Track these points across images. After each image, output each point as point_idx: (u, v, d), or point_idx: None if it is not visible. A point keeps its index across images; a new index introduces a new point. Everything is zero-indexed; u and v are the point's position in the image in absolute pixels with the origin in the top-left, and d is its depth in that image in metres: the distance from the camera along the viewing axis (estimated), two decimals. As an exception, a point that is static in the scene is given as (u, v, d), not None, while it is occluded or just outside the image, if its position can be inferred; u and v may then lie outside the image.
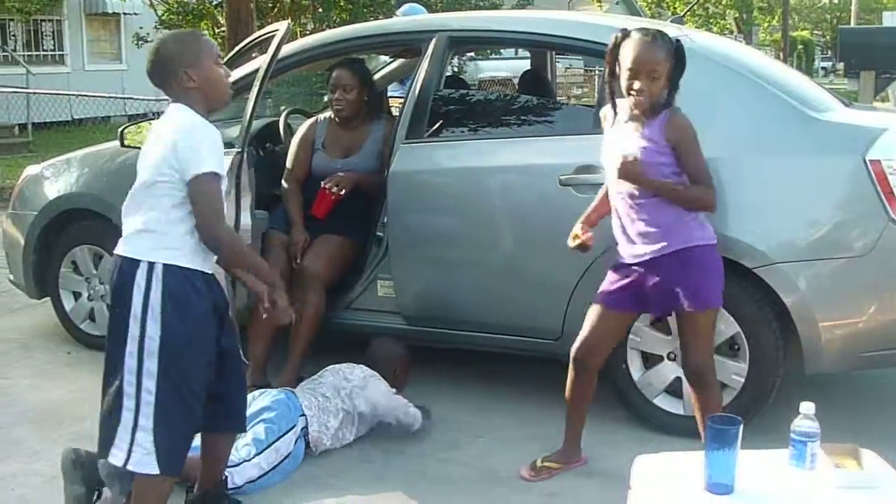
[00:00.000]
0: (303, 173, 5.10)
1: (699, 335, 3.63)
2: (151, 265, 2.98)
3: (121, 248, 3.07)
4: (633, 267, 3.64)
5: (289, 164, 5.12)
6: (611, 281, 3.73)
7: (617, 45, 3.54)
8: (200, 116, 3.05)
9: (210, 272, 3.10)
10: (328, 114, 5.18)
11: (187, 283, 3.00)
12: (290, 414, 3.99)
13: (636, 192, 3.54)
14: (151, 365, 2.98)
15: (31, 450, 4.19)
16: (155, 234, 3.00)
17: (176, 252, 2.99)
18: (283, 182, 5.09)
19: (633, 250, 3.62)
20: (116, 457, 3.04)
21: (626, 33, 3.53)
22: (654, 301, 3.67)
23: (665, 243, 3.55)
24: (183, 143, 2.95)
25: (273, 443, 3.86)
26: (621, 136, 3.59)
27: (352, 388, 4.17)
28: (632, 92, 3.48)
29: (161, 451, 3.01)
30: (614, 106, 3.65)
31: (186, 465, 3.23)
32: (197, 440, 3.34)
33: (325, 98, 5.61)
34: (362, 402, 4.17)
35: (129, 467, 3.05)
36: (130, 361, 2.99)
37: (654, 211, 3.54)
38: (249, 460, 3.78)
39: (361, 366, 4.37)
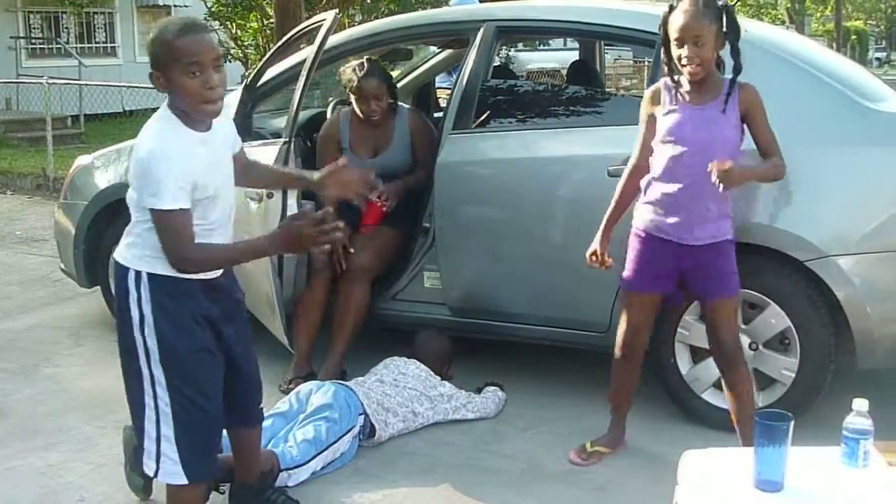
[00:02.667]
0: None
1: (732, 317, 3.71)
2: (138, 273, 2.89)
3: (116, 250, 2.98)
4: (676, 247, 3.62)
5: (319, 165, 4.94)
6: (644, 260, 3.71)
7: (665, 20, 3.54)
8: (169, 127, 2.83)
9: (209, 278, 2.97)
10: (347, 109, 5.13)
11: (175, 291, 2.89)
12: (350, 414, 3.98)
13: (705, 179, 3.48)
14: (159, 374, 2.92)
15: (80, 437, 4.23)
16: (139, 242, 2.90)
17: (159, 260, 2.86)
18: None
19: (691, 233, 3.59)
20: (149, 467, 3.01)
21: (671, 7, 3.55)
22: (692, 284, 3.69)
23: (717, 231, 3.59)
24: (135, 169, 2.79)
25: (332, 444, 3.86)
26: (689, 113, 3.55)
27: (417, 394, 4.23)
28: (682, 60, 3.46)
29: (185, 459, 2.97)
30: (676, 84, 3.60)
31: (226, 460, 3.22)
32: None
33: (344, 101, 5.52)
34: (427, 410, 4.23)
35: (160, 479, 3.03)
36: (144, 370, 2.93)
37: (716, 197, 3.53)
38: (307, 462, 3.77)
39: (414, 360, 4.38)
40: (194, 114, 2.84)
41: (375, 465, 3.95)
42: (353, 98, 5.00)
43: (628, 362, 3.91)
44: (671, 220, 3.62)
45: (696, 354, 4.25)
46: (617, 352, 3.90)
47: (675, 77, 3.61)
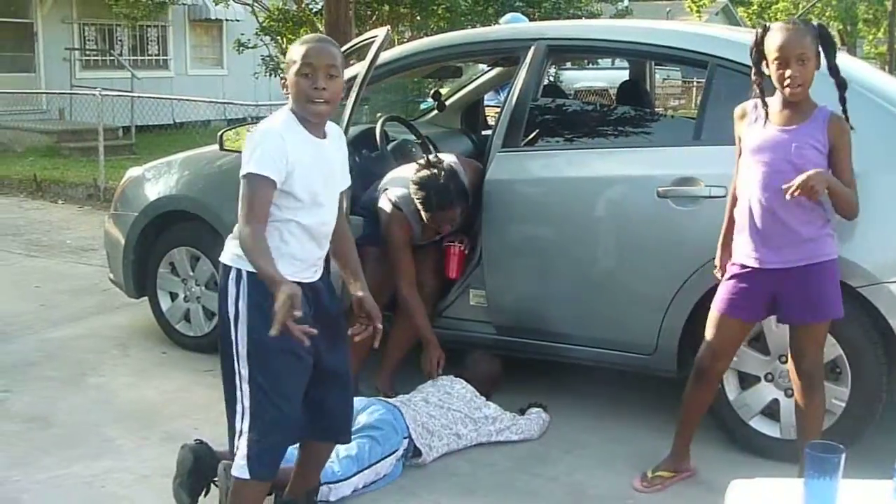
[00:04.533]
0: (413, 270, 4.73)
1: (817, 342, 3.63)
2: (239, 272, 3.01)
3: (223, 253, 3.12)
4: (766, 273, 3.56)
5: (399, 269, 4.65)
6: (736, 287, 3.64)
7: (760, 41, 3.51)
8: (285, 119, 3.03)
9: (307, 281, 3.06)
10: (412, 206, 4.63)
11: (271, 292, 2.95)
12: (395, 437, 3.97)
13: (800, 198, 3.42)
14: (244, 370, 3.02)
15: (125, 448, 4.25)
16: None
17: None
18: (403, 294, 4.66)
19: (778, 256, 3.52)
20: (234, 463, 3.10)
21: (766, 27, 3.53)
22: (783, 310, 3.60)
23: (811, 253, 3.51)
24: (246, 147, 3.00)
25: (375, 464, 3.85)
26: (775, 134, 3.51)
27: (461, 416, 4.22)
28: (785, 80, 3.42)
29: (252, 455, 3.03)
30: (765, 104, 3.56)
31: (280, 471, 3.23)
32: (294, 448, 3.35)
33: (424, 106, 5.45)
34: (471, 432, 4.22)
35: (233, 472, 3.09)
36: (236, 366, 3.04)
37: (804, 219, 3.49)
38: (348, 478, 3.76)
39: (460, 380, 4.37)
40: (304, 113, 3.02)
41: (418, 484, 3.93)
42: (434, 220, 4.62)
43: (702, 387, 3.82)
44: (758, 244, 3.56)
45: (744, 381, 4.19)
46: (692, 374, 3.82)
47: (766, 98, 3.56)
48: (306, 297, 3.03)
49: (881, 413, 3.99)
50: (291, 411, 3.09)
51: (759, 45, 3.52)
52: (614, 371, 4.63)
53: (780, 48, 3.41)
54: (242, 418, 3.05)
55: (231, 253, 3.06)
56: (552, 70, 14.94)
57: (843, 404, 3.97)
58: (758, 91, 3.58)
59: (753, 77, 3.59)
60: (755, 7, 39.45)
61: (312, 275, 3.12)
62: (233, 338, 3.03)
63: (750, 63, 3.62)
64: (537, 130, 4.73)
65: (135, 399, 4.85)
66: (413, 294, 4.64)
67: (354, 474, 3.78)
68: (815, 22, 3.56)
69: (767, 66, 3.50)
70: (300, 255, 3.05)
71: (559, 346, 4.59)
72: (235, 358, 3.03)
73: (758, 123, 3.56)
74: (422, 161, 4.62)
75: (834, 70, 3.49)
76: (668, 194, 4.17)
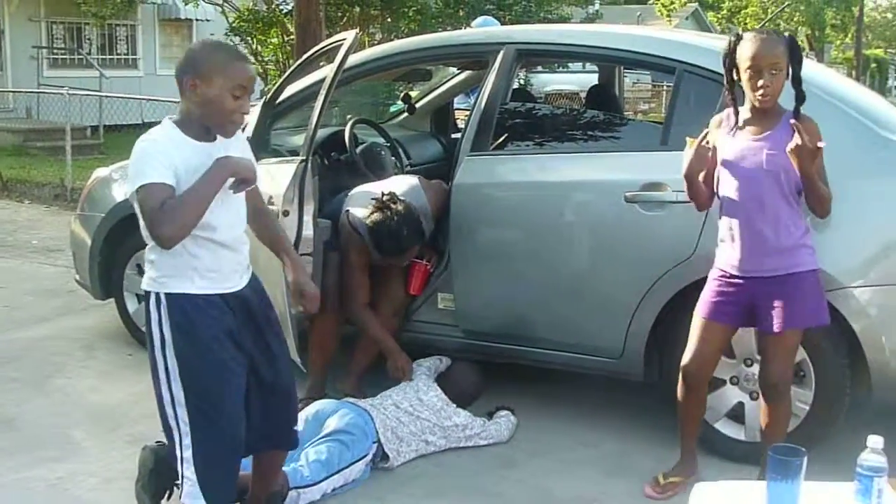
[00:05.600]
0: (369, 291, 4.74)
1: (787, 350, 3.62)
2: (157, 296, 2.93)
3: (143, 281, 3.04)
4: (746, 281, 3.59)
5: (351, 289, 4.66)
6: (718, 292, 3.67)
7: (732, 49, 3.54)
8: (168, 131, 2.89)
9: (229, 291, 3.00)
10: (368, 221, 4.52)
11: (191, 308, 2.92)
12: (365, 442, 3.97)
13: (776, 205, 3.50)
14: (179, 394, 2.94)
15: (90, 451, 4.23)
16: (154, 263, 2.95)
17: (173, 279, 2.92)
18: (353, 313, 4.69)
19: (757, 265, 3.56)
20: (180, 492, 3.03)
21: (738, 36, 3.56)
22: (761, 317, 3.61)
23: (789, 263, 3.54)
24: (129, 162, 2.88)
25: (344, 468, 3.85)
26: (747, 143, 3.54)
27: (430, 426, 4.21)
28: (757, 89, 3.45)
29: (203, 481, 2.96)
30: (736, 113, 3.60)
31: (240, 479, 3.21)
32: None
33: (393, 109, 5.45)
34: (440, 439, 4.22)
35: (182, 500, 3.02)
36: (166, 393, 2.96)
37: (783, 229, 3.52)
38: (317, 483, 3.76)
39: (435, 387, 4.36)
40: (217, 126, 2.93)
41: (384, 488, 3.93)
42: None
43: (692, 393, 3.82)
44: (737, 252, 3.60)
45: (710, 384, 4.21)
46: (681, 382, 3.82)
47: (737, 107, 3.60)
48: (231, 309, 3.00)
49: (844, 416, 4.03)
50: (234, 428, 3.02)
51: (731, 53, 3.55)
52: (581, 375, 4.64)
53: (754, 57, 3.44)
54: (181, 444, 2.97)
55: (147, 278, 2.99)
56: (522, 74, 15.01)
57: (807, 407, 4.01)
58: (729, 99, 3.62)
59: (726, 85, 3.62)
60: (725, 12, 39.73)
61: (236, 283, 3.03)
62: (162, 363, 2.94)
63: (717, 69, 3.66)
64: (506, 134, 4.74)
65: (100, 401, 4.82)
66: (363, 311, 4.65)
67: (323, 479, 3.77)
68: (785, 33, 3.58)
69: (738, 74, 3.53)
70: (215, 266, 2.96)
71: (526, 350, 4.61)
72: (167, 382, 2.95)
73: (731, 134, 3.60)
74: (376, 200, 4.54)
75: (797, 81, 3.53)
76: (635, 199, 4.19)
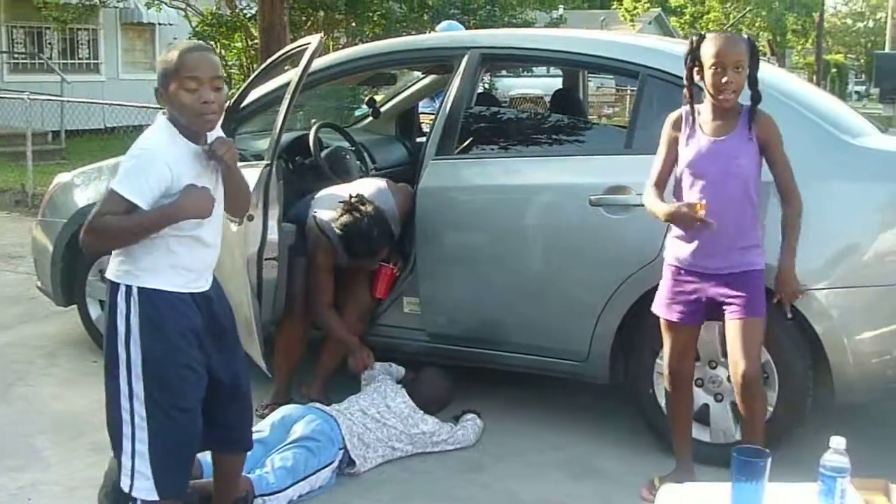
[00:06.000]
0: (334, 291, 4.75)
1: (755, 343, 3.64)
2: (128, 288, 2.94)
3: (108, 269, 3.03)
4: (701, 277, 3.63)
5: (319, 289, 4.65)
6: (674, 292, 3.71)
7: (696, 48, 3.58)
8: (165, 133, 2.94)
9: (199, 291, 3.02)
10: (335, 224, 4.54)
11: (164, 305, 2.93)
12: (331, 448, 3.96)
13: (738, 206, 3.56)
14: (138, 388, 2.94)
15: (52, 459, 4.18)
16: (128, 257, 2.95)
17: (148, 274, 2.93)
18: (318, 313, 4.69)
19: (714, 262, 3.60)
20: (124, 483, 3.02)
21: (700, 36, 3.62)
22: (721, 310, 3.65)
23: (743, 261, 3.60)
24: (125, 158, 2.92)
25: (310, 475, 3.83)
26: (709, 145, 3.58)
27: (397, 433, 4.19)
28: (721, 86, 3.49)
29: (158, 475, 2.97)
30: (693, 111, 3.64)
31: (203, 486, 3.19)
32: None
33: (358, 113, 5.45)
34: (407, 445, 4.21)
35: (133, 494, 3.02)
36: (123, 386, 2.96)
37: (741, 231, 3.59)
38: (283, 490, 3.74)
39: (403, 393, 4.35)
40: (191, 125, 2.94)
41: (351, 493, 3.92)
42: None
43: (678, 389, 3.86)
44: (694, 250, 3.63)
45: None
46: (667, 381, 3.86)
47: (696, 106, 3.64)
48: (199, 309, 3.02)
49: (807, 417, 4.06)
50: (191, 425, 3.04)
51: (694, 51, 3.59)
52: (547, 378, 4.65)
53: (718, 54, 3.49)
54: (134, 438, 2.97)
55: (117, 269, 2.98)
56: (486, 78, 15.04)
57: (771, 408, 4.03)
58: (688, 98, 3.65)
59: (686, 83, 3.66)
60: (687, 17, 40.07)
61: (204, 283, 3.06)
62: (123, 356, 2.94)
63: (680, 73, 3.69)
64: (471, 138, 4.75)
65: (63, 409, 4.76)
66: (327, 312, 4.65)
67: (289, 486, 3.75)
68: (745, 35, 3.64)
69: (700, 73, 3.57)
70: (191, 265, 2.99)
71: (493, 354, 4.61)
72: (126, 376, 2.94)
73: (691, 135, 3.63)
74: (345, 203, 4.54)
75: (753, 82, 3.57)
76: (600, 202, 4.21)
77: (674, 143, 3.69)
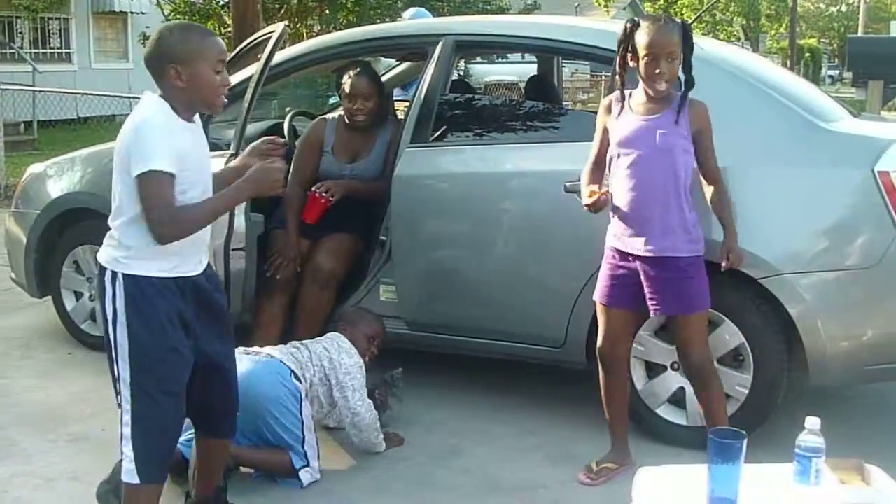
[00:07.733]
0: (310, 176, 5.02)
1: (700, 334, 3.73)
2: (114, 273, 2.94)
3: (99, 252, 3.04)
4: (633, 260, 3.68)
5: (294, 166, 4.99)
6: (610, 276, 3.77)
7: (628, 35, 3.60)
8: (162, 109, 2.92)
9: (188, 275, 3.01)
10: (336, 115, 5.12)
11: (150, 289, 2.92)
12: (289, 400, 3.87)
13: (666, 185, 3.60)
14: (125, 372, 2.95)
15: (29, 451, 4.15)
16: (116, 243, 2.95)
17: (137, 259, 2.92)
18: (287, 184, 4.88)
19: (643, 244, 3.64)
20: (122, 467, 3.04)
21: (635, 23, 3.63)
22: (653, 300, 3.69)
23: (674, 244, 3.62)
24: (126, 139, 2.89)
25: (304, 425, 3.86)
26: (638, 123, 3.62)
27: (340, 385, 4.05)
28: (655, 76, 3.53)
29: (139, 459, 2.97)
30: (623, 97, 3.69)
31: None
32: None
33: (333, 101, 5.55)
34: (343, 407, 4.07)
35: (121, 477, 3.03)
36: (114, 369, 2.98)
37: (678, 208, 3.62)
38: (308, 465, 3.83)
39: (353, 352, 4.17)
40: (206, 108, 3.07)
41: (332, 481, 3.92)
42: (342, 98, 5.06)
43: (610, 374, 3.89)
44: (626, 230, 3.69)
45: (651, 370, 4.27)
46: (600, 366, 3.90)
47: (628, 91, 3.68)
48: (186, 293, 3.01)
49: (782, 399, 4.10)
50: (176, 411, 3.05)
51: (627, 39, 3.62)
52: (525, 364, 4.67)
53: (651, 45, 3.52)
54: (122, 422, 2.99)
55: (107, 255, 2.98)
56: (461, 65, 15.03)
57: (746, 391, 4.07)
58: (620, 84, 3.70)
59: (617, 69, 3.70)
60: (661, 2, 40.14)
61: (195, 267, 3.05)
62: (113, 339, 2.95)
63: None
64: (446, 126, 4.74)
65: (40, 401, 4.74)
66: (296, 192, 4.89)
67: (312, 461, 3.85)
68: (678, 19, 3.70)
69: (634, 59, 3.61)
70: (180, 251, 2.96)
71: (470, 341, 4.62)
72: (116, 360, 2.96)
73: (622, 116, 3.68)
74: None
75: (688, 68, 3.62)
76: (575, 189, 4.21)
77: (606, 130, 3.76)
